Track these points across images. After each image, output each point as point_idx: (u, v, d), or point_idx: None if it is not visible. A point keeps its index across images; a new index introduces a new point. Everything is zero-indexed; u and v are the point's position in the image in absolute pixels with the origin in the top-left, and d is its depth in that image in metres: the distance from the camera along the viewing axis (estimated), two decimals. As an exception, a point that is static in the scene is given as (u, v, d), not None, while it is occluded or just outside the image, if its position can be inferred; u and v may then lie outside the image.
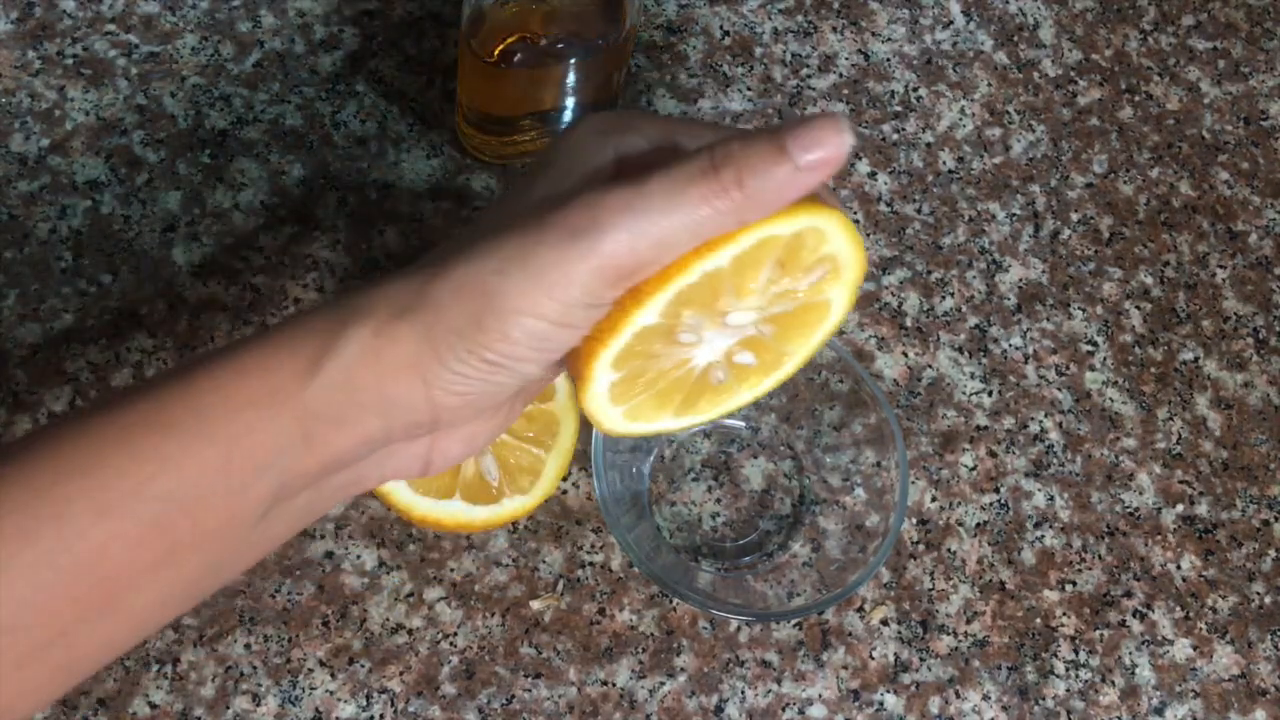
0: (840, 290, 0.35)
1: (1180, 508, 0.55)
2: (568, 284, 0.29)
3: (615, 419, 0.35)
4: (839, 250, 0.33)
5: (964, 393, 0.55)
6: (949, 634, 0.51)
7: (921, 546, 0.52)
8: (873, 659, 0.50)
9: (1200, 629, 0.53)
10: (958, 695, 0.50)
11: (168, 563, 0.29)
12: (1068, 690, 0.51)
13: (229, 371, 0.29)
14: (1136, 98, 0.64)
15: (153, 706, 0.46)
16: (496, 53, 0.49)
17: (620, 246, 0.29)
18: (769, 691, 0.49)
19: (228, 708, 0.46)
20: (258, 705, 0.46)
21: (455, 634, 0.48)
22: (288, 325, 0.30)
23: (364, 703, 0.47)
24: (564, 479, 0.51)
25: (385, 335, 0.29)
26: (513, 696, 0.48)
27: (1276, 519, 0.55)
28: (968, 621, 0.51)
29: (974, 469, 0.54)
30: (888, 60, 0.62)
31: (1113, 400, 0.56)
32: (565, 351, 0.32)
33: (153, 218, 0.53)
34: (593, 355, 0.32)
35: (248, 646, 0.47)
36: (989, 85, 0.62)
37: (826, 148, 0.29)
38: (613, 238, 0.29)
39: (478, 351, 0.29)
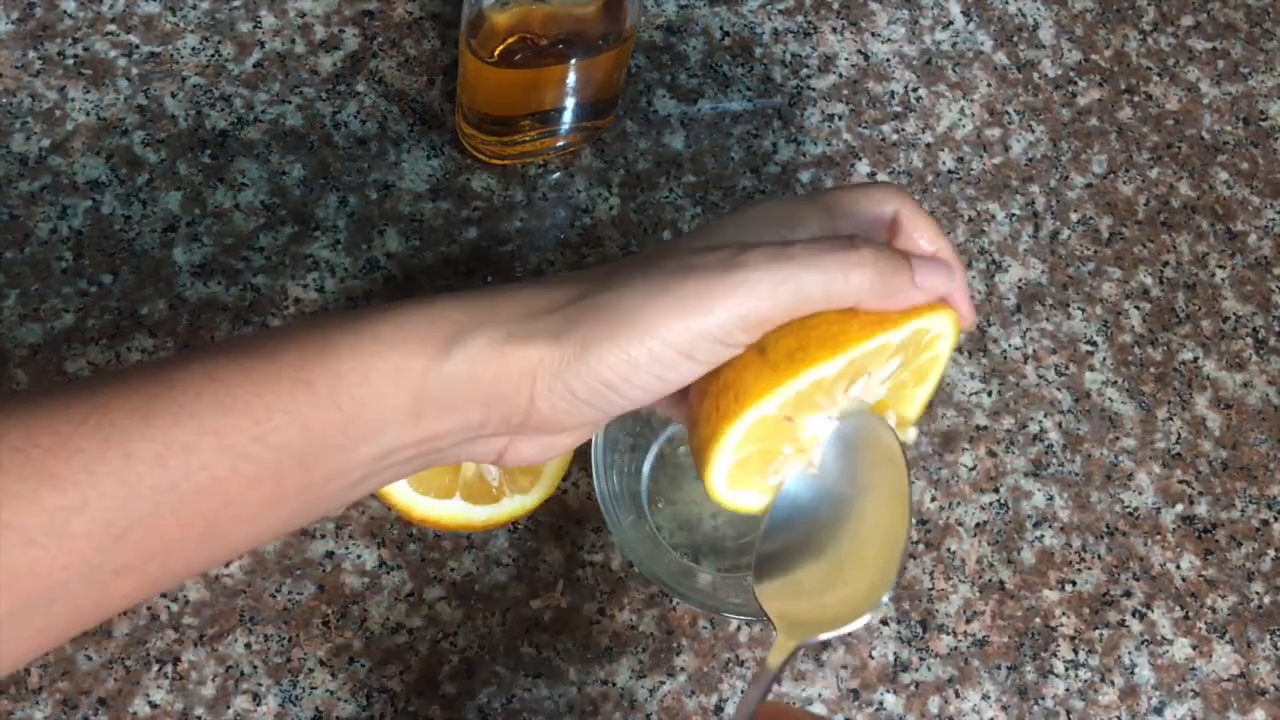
0: (939, 361, 0.38)
1: (1180, 507, 0.55)
2: (705, 314, 0.32)
3: (726, 492, 0.37)
4: (944, 333, 0.36)
5: (964, 393, 0.55)
6: (948, 634, 0.51)
7: (921, 546, 0.52)
8: (872, 659, 0.50)
9: (1200, 629, 0.53)
10: (957, 695, 0.50)
11: (273, 504, 0.31)
12: (1067, 690, 0.51)
13: (365, 341, 0.31)
14: (1136, 98, 0.64)
15: (153, 706, 0.46)
16: (496, 53, 0.49)
17: (762, 288, 0.32)
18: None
19: (228, 707, 0.46)
20: (258, 705, 0.46)
21: (455, 634, 0.48)
22: (423, 309, 0.32)
23: (364, 702, 0.47)
24: (564, 479, 0.51)
25: (515, 338, 0.32)
26: (513, 696, 0.48)
27: (1276, 519, 0.55)
28: (967, 621, 0.51)
29: (974, 469, 0.54)
30: (887, 60, 0.62)
31: (1112, 400, 0.56)
32: (670, 390, 0.34)
33: (153, 218, 0.53)
34: (720, 432, 0.34)
35: (248, 646, 0.47)
36: (989, 85, 0.62)
37: (936, 283, 0.34)
38: (756, 278, 0.32)
39: (597, 369, 0.32)
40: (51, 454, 0.29)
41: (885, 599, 0.34)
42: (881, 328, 0.34)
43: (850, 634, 0.50)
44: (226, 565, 0.48)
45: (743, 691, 0.49)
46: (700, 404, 0.35)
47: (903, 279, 0.33)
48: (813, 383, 0.34)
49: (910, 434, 0.38)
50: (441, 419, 0.33)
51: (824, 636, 0.35)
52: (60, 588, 0.29)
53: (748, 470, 0.36)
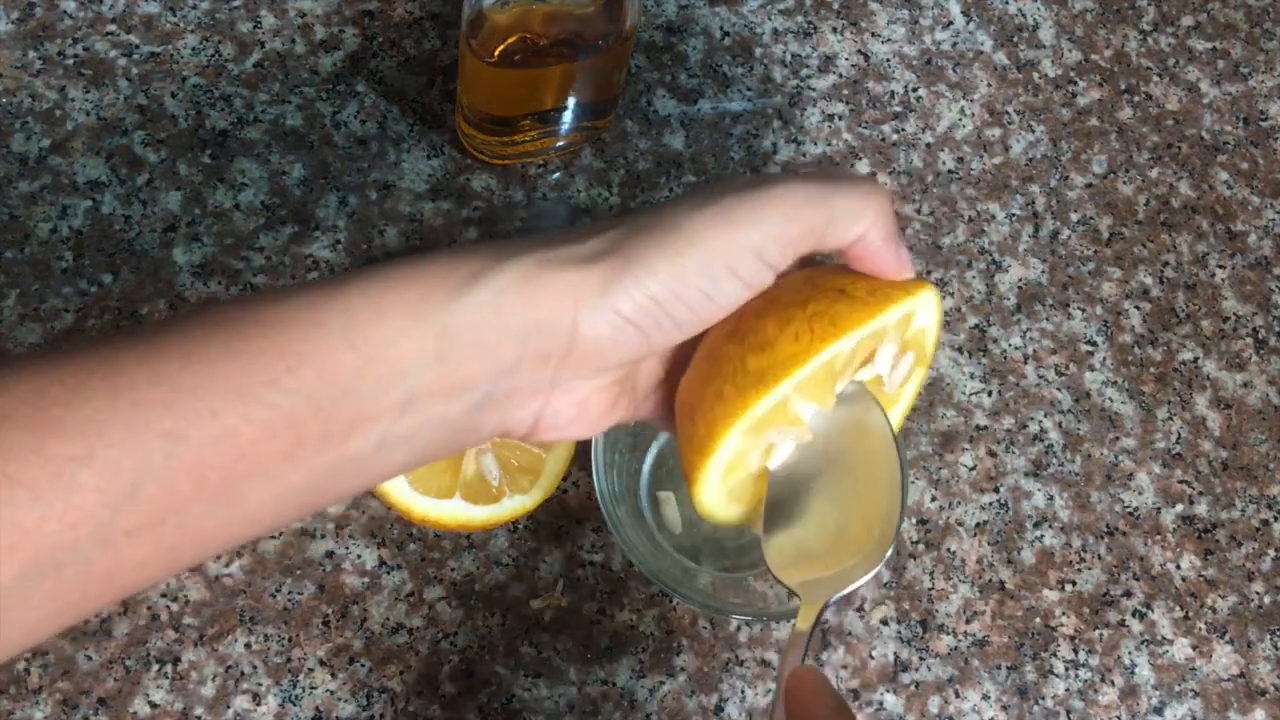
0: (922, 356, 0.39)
1: (1180, 507, 0.55)
2: (752, 224, 0.32)
3: (720, 503, 0.38)
4: (927, 323, 0.37)
5: (964, 393, 0.55)
6: (949, 634, 0.51)
7: (921, 546, 0.52)
8: (872, 659, 0.50)
9: (1200, 629, 0.53)
10: (957, 695, 0.50)
11: (290, 459, 0.30)
12: (1067, 690, 0.51)
13: (381, 280, 0.30)
14: (1136, 98, 0.64)
15: (153, 706, 0.46)
16: (496, 53, 0.49)
17: (799, 201, 0.32)
18: (769, 691, 0.49)
19: (228, 707, 0.46)
20: (258, 705, 0.46)
21: (455, 633, 0.48)
22: (444, 253, 0.31)
23: (364, 702, 0.47)
24: (564, 479, 0.51)
25: (549, 264, 0.30)
26: (513, 696, 0.48)
27: (1276, 519, 0.55)
28: (967, 621, 0.51)
29: (974, 469, 0.54)
30: (888, 60, 0.62)
31: (1112, 400, 0.56)
32: (713, 317, 0.33)
33: (153, 218, 0.53)
34: (710, 447, 0.35)
35: (248, 646, 0.47)
36: (989, 85, 0.62)
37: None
38: (794, 193, 0.32)
39: (645, 281, 0.31)
40: (59, 404, 0.27)
41: (889, 553, 0.36)
42: (879, 308, 0.35)
43: (849, 629, 0.50)
44: (227, 564, 0.48)
45: (743, 691, 0.49)
46: (697, 409, 0.35)
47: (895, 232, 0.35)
48: (811, 373, 0.34)
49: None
50: (470, 359, 0.31)
51: (840, 594, 0.36)
52: (70, 548, 0.27)
53: (737, 473, 0.37)
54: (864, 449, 0.37)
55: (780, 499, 0.38)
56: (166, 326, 0.29)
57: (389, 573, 0.49)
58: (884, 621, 0.51)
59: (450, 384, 0.31)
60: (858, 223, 0.34)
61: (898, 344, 0.37)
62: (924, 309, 0.37)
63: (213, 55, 0.57)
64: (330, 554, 0.49)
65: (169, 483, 0.28)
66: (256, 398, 0.28)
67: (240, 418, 0.28)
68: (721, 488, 0.36)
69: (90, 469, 0.27)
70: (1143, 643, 0.52)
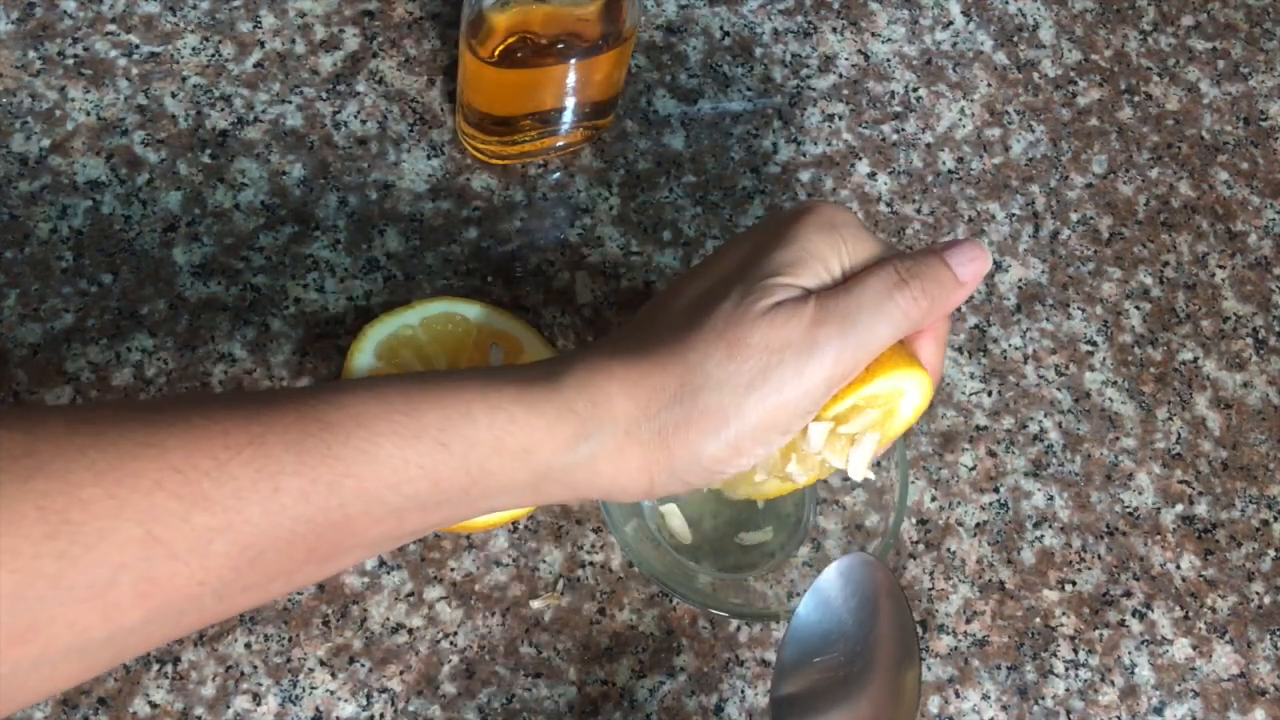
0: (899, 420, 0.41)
1: (1180, 507, 0.55)
2: (801, 397, 0.36)
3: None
4: (917, 402, 0.40)
5: (964, 393, 0.55)
6: (949, 634, 0.51)
7: (921, 546, 0.52)
8: (872, 659, 0.50)
9: (1199, 629, 0.53)
10: (957, 695, 0.50)
11: (390, 537, 0.35)
12: (1067, 690, 0.51)
13: (501, 420, 0.34)
14: (1136, 98, 0.64)
15: (153, 706, 0.46)
16: (496, 53, 0.49)
17: (844, 355, 0.36)
18: (769, 691, 0.49)
19: (228, 707, 0.46)
20: (258, 705, 0.46)
21: (455, 633, 0.48)
22: (553, 395, 0.35)
23: (364, 702, 0.47)
24: (564, 479, 0.51)
25: (633, 438, 0.36)
26: (513, 696, 0.48)
27: (1276, 519, 0.55)
28: (967, 621, 0.51)
29: (974, 469, 0.54)
30: (888, 60, 0.62)
31: (1112, 400, 0.56)
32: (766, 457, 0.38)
33: (153, 218, 0.53)
34: None
35: (248, 646, 0.47)
36: (989, 85, 0.62)
37: (976, 264, 0.38)
38: (836, 350, 0.35)
39: (709, 465, 0.36)
40: (208, 478, 0.31)
41: None
42: (894, 368, 0.38)
43: None
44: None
45: (743, 691, 0.49)
46: None
47: (948, 285, 0.38)
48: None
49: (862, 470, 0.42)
50: (558, 494, 0.37)
51: None
52: (193, 601, 0.31)
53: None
54: (881, 633, 0.40)
55: (796, 667, 0.41)
56: (310, 412, 0.33)
57: (389, 573, 0.49)
58: (884, 621, 0.51)
59: (534, 501, 0.37)
60: (908, 331, 0.37)
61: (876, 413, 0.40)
62: (912, 385, 0.39)
63: (213, 55, 0.57)
64: (330, 554, 0.49)
65: (288, 553, 0.32)
66: (379, 497, 0.33)
67: (362, 510, 0.33)
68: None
69: (225, 538, 0.31)
70: (1143, 643, 0.52)
